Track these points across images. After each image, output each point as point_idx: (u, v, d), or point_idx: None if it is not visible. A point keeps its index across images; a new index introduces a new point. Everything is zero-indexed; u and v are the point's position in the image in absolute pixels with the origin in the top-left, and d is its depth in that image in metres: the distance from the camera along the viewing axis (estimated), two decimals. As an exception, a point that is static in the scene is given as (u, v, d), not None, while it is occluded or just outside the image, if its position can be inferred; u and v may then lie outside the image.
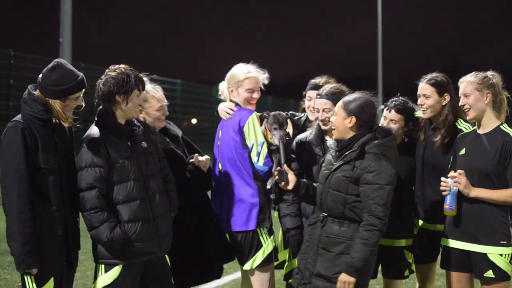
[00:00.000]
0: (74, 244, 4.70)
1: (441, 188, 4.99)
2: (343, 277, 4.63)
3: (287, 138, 5.42)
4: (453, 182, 4.90)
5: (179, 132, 5.68)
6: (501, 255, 4.83)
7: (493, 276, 4.82)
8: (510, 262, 4.86)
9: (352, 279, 4.61)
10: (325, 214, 4.81)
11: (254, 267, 5.46)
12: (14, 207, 4.39)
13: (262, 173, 5.38)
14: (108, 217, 4.59)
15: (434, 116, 5.47)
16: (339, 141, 4.84)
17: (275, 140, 5.34)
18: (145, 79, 5.19)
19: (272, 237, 5.46)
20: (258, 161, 5.40)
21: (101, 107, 4.79)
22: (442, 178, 5.00)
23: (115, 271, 4.67)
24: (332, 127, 4.87)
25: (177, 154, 5.42)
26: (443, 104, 5.42)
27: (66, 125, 4.63)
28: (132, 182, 4.69)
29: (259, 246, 5.44)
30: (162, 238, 4.81)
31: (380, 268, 5.75)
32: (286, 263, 5.72)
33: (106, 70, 4.81)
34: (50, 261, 4.52)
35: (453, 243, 5.01)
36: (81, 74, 4.67)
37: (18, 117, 4.55)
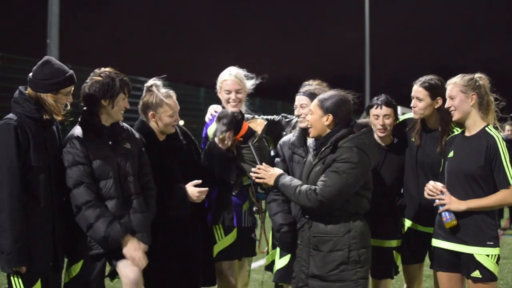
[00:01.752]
0: (62, 246, 4.69)
1: (428, 193, 5.04)
2: (270, 170, 4.93)
3: (251, 141, 5.45)
4: (439, 202, 4.97)
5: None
6: (488, 255, 4.86)
7: (480, 276, 4.85)
8: (497, 263, 4.89)
9: (272, 180, 4.88)
10: (308, 217, 4.87)
11: None
12: (5, 204, 4.41)
13: (224, 177, 5.55)
14: (102, 212, 4.61)
15: (427, 118, 5.52)
16: (316, 140, 4.89)
17: (216, 133, 5.42)
18: (159, 83, 5.35)
19: (228, 235, 5.56)
20: None
21: (84, 108, 4.84)
22: (430, 184, 5.04)
23: (77, 266, 4.73)
24: (308, 126, 4.91)
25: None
26: (436, 107, 5.45)
27: (59, 118, 4.64)
28: (110, 180, 4.73)
29: (213, 242, 5.57)
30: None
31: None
32: (274, 265, 5.70)
33: (92, 74, 4.85)
34: (38, 261, 4.52)
35: (442, 244, 5.03)
36: (70, 70, 4.71)
37: (10, 115, 4.56)
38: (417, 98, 5.47)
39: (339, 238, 4.73)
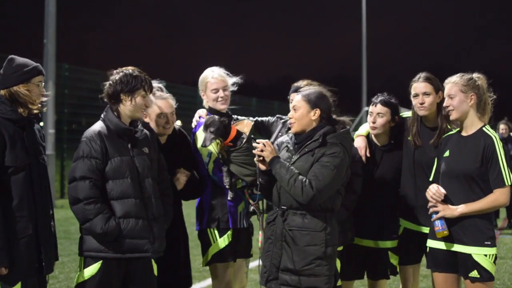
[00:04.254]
0: (46, 247, 4.62)
1: (431, 197, 5.00)
2: (272, 148, 4.83)
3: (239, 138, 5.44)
4: (433, 210, 4.96)
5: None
6: (485, 255, 4.86)
7: (478, 276, 4.84)
8: (494, 262, 4.89)
9: (270, 156, 4.79)
10: (285, 207, 4.82)
11: (204, 265, 5.66)
12: None
13: (216, 181, 5.56)
14: (102, 209, 4.65)
15: (429, 116, 5.51)
16: (298, 135, 4.89)
17: (205, 143, 5.39)
18: (158, 85, 5.45)
19: (223, 237, 5.54)
20: (207, 169, 5.56)
21: (108, 105, 4.91)
22: (434, 188, 5.02)
23: (94, 268, 4.70)
24: (292, 122, 4.89)
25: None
26: (438, 102, 5.46)
27: (35, 108, 4.62)
28: (128, 179, 4.75)
29: (208, 245, 5.57)
30: (156, 240, 4.83)
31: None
32: None
33: (115, 71, 4.93)
34: (18, 263, 4.45)
35: (439, 244, 5.02)
36: (37, 63, 4.77)
37: None
38: (424, 93, 5.44)
39: (317, 233, 4.72)
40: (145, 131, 5.05)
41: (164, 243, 4.96)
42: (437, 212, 4.94)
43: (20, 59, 4.68)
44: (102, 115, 4.92)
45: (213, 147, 5.54)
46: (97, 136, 4.76)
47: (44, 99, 4.77)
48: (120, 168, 4.75)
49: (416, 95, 5.50)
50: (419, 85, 5.49)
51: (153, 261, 4.96)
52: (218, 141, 5.49)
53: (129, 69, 4.92)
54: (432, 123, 5.51)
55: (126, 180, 4.75)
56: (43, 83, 4.75)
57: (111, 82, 4.87)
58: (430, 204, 4.99)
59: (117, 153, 4.77)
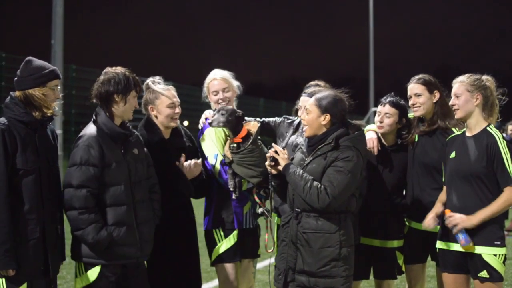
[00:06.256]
0: (53, 250, 4.64)
1: (448, 224, 4.99)
2: (286, 154, 4.88)
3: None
4: (452, 224, 4.94)
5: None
6: (495, 255, 4.86)
7: (488, 276, 4.85)
8: (503, 263, 4.88)
9: (284, 162, 4.86)
10: (299, 210, 4.83)
11: (211, 265, 5.67)
12: None
13: (222, 183, 5.55)
14: (95, 219, 4.62)
15: (426, 115, 5.56)
16: (311, 138, 4.90)
17: (212, 122, 5.40)
18: (157, 80, 5.42)
19: (228, 238, 5.55)
20: (213, 171, 5.56)
21: (98, 106, 4.85)
22: (448, 215, 5.01)
23: (94, 272, 4.70)
24: (305, 125, 4.94)
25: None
26: (434, 101, 5.52)
27: (49, 112, 4.63)
28: (122, 186, 4.74)
29: (214, 245, 5.58)
30: (144, 244, 4.85)
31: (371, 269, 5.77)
32: None
33: (104, 71, 4.89)
34: (25, 265, 4.47)
35: (449, 245, 5.03)
36: (54, 66, 4.75)
37: (1, 119, 4.57)
38: (415, 94, 5.57)
39: (331, 235, 4.74)
40: (136, 133, 5.03)
41: (152, 245, 4.96)
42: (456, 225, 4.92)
43: (37, 62, 4.67)
44: (94, 117, 4.85)
45: (220, 146, 5.53)
46: (95, 142, 4.69)
47: (60, 102, 4.77)
48: (116, 175, 4.72)
49: (410, 97, 5.60)
50: (411, 87, 5.62)
51: (145, 262, 4.99)
52: (226, 133, 5.47)
53: (120, 69, 4.88)
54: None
55: (120, 187, 4.73)
56: (59, 87, 4.72)
57: (102, 82, 4.82)
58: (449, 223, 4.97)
59: (113, 158, 4.73)
